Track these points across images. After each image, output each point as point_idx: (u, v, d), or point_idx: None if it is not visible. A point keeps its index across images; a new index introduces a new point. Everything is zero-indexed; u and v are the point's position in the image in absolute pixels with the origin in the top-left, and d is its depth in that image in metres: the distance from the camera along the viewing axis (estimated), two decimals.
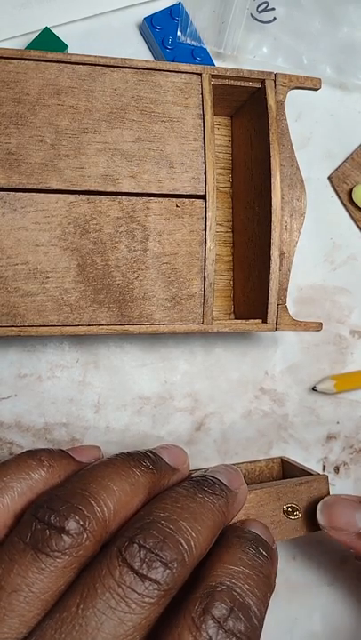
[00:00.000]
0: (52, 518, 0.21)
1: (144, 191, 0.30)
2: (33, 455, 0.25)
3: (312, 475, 0.31)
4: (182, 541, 0.22)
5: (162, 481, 0.25)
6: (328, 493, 0.31)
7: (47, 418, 0.34)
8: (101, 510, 0.22)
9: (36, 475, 0.24)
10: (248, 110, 0.34)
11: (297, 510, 0.29)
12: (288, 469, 0.35)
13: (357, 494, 0.30)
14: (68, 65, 0.29)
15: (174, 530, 0.22)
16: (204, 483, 0.25)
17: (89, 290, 0.29)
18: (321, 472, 0.36)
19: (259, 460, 0.35)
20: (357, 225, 0.40)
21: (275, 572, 0.25)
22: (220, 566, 0.23)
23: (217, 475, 0.26)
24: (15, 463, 0.24)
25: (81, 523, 0.21)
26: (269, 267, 0.31)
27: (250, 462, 0.35)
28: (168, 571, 0.21)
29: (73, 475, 0.25)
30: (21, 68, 0.28)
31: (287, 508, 0.29)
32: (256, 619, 0.22)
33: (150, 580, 0.20)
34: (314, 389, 0.38)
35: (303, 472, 0.32)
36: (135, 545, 0.21)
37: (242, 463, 0.35)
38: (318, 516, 0.29)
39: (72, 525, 0.21)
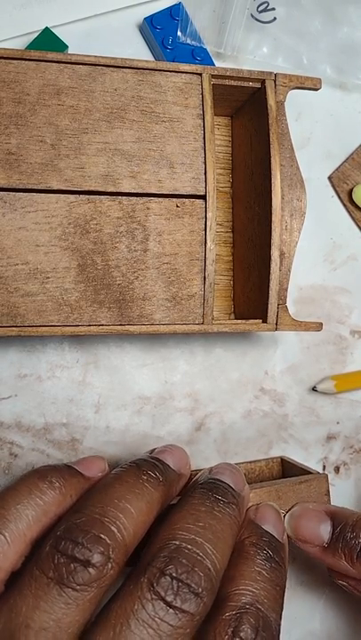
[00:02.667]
0: (75, 551, 0.21)
1: (144, 191, 0.30)
2: (43, 477, 0.24)
3: (312, 474, 0.31)
4: (210, 566, 0.22)
5: (171, 490, 0.25)
6: (328, 492, 0.31)
7: (47, 418, 0.34)
8: (122, 536, 0.22)
9: (49, 498, 0.23)
10: (248, 110, 0.34)
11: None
12: (288, 469, 0.35)
13: (328, 505, 0.30)
14: (68, 65, 0.29)
15: (202, 555, 0.22)
16: (217, 491, 0.25)
17: (89, 290, 0.29)
18: (321, 472, 0.36)
19: (258, 460, 0.35)
20: (357, 225, 0.40)
21: (286, 570, 0.25)
22: (243, 583, 0.23)
23: (224, 477, 0.26)
24: (26, 487, 0.23)
25: (105, 553, 0.21)
26: (270, 267, 0.31)
27: (250, 462, 0.35)
28: (199, 600, 0.21)
29: (86, 494, 0.24)
30: (21, 69, 0.28)
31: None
32: (276, 632, 0.23)
33: (183, 611, 0.20)
34: (314, 389, 0.38)
35: (303, 471, 0.32)
36: (167, 577, 0.21)
37: (242, 463, 0.35)
38: (285, 526, 0.29)
39: (97, 558, 0.21)
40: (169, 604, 0.20)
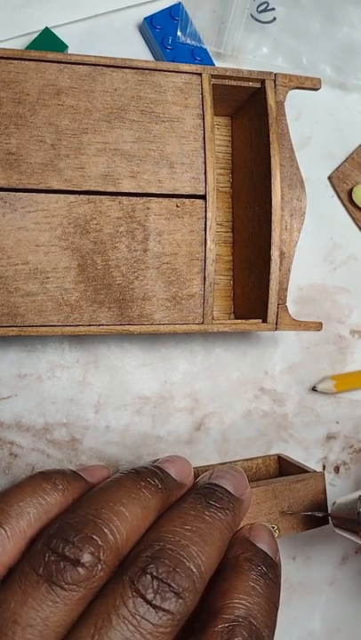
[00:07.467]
0: (65, 550, 0.21)
1: (144, 191, 0.30)
2: (47, 478, 0.24)
3: (308, 472, 0.32)
4: (193, 568, 0.22)
5: (170, 499, 0.25)
6: (325, 490, 0.31)
7: (47, 418, 0.35)
8: (114, 538, 0.22)
9: (52, 499, 0.24)
10: (248, 110, 0.34)
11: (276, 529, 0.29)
12: (285, 466, 0.35)
13: None
14: (68, 65, 0.29)
15: (185, 557, 0.22)
16: (211, 496, 0.25)
17: (89, 290, 0.29)
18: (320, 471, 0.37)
19: (256, 458, 0.35)
20: (357, 225, 0.40)
21: (280, 589, 0.25)
22: (236, 597, 0.23)
23: (222, 482, 0.26)
24: (30, 487, 0.24)
25: (95, 554, 0.21)
26: (269, 266, 0.31)
27: (247, 460, 0.35)
28: (181, 600, 0.21)
29: (83, 496, 0.24)
30: (21, 69, 0.28)
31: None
32: None
33: (163, 610, 0.20)
34: (314, 389, 0.38)
35: (300, 469, 0.33)
36: (148, 575, 0.21)
37: (239, 461, 0.35)
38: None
39: (86, 558, 0.21)
40: (149, 603, 0.20)
